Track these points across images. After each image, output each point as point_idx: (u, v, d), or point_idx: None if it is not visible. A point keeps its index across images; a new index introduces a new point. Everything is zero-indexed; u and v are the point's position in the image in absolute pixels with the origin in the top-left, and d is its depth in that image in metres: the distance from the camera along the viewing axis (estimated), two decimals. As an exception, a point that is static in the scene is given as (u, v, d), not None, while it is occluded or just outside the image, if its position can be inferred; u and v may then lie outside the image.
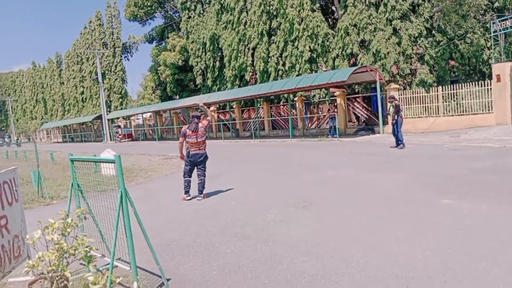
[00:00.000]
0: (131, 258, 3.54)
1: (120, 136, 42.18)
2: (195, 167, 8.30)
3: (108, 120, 44.64)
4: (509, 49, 20.88)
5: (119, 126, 45.46)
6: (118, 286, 3.74)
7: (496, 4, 21.86)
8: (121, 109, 48.68)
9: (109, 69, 49.83)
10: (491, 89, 16.94)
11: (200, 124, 8.18)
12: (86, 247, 3.21)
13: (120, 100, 50.36)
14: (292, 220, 5.99)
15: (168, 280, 4.01)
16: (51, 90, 65.91)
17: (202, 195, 8.24)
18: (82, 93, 56.00)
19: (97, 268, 3.44)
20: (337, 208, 6.47)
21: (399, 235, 4.91)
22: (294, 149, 17.25)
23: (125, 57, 52.94)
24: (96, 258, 3.46)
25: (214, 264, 4.52)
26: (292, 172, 10.81)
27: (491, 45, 19.67)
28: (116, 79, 50.01)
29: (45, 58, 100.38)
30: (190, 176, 8.30)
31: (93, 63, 50.36)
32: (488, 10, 21.99)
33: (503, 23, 17.15)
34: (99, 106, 49.11)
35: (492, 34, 18.17)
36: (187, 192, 8.28)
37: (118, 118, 46.37)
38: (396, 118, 13.53)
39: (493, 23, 17.76)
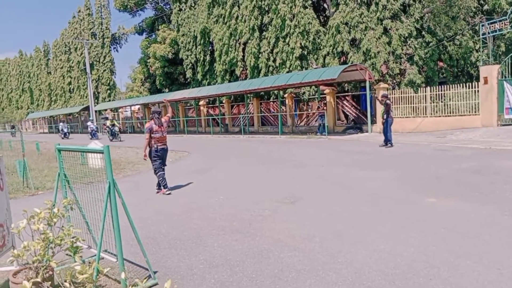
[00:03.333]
0: (118, 249, 3.52)
1: (107, 128, 41.69)
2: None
3: (96, 111, 44.10)
4: (497, 52, 21.18)
5: (106, 118, 44.90)
6: (104, 277, 3.71)
7: (486, 7, 22.12)
8: (109, 101, 48.15)
9: (98, 60, 49.20)
10: (478, 91, 17.17)
11: (163, 119, 8.33)
12: (72, 237, 3.18)
13: (108, 91, 49.80)
14: (280, 216, 6.01)
15: (155, 272, 4.00)
16: (38, 79, 64.84)
17: (162, 188, 8.39)
18: (70, 83, 55.20)
19: (82, 259, 3.41)
20: (324, 205, 6.51)
21: (385, 232, 4.97)
22: (283, 145, 17.29)
23: (114, 48, 52.37)
24: (82, 249, 3.42)
25: (201, 257, 4.52)
26: (281, 168, 10.84)
27: (480, 47, 19.93)
28: (104, 70, 49.42)
29: (33, 47, 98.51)
30: (163, 170, 8.38)
31: (81, 53, 49.68)
32: (477, 12, 22.25)
33: (492, 26, 17.37)
34: (86, 97, 48.50)
35: (480, 36, 18.39)
36: (165, 186, 8.31)
37: (105, 110, 45.83)
38: (386, 117, 13.64)
39: (482, 25, 17.97)
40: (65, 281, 2.57)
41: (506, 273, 3.63)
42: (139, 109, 43.26)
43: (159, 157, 8.30)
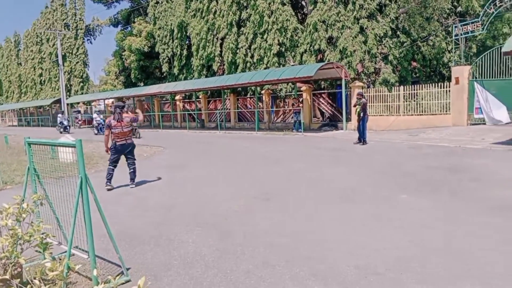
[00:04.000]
0: (90, 246, 3.44)
1: (79, 122, 40.67)
2: (125, 157, 8.38)
3: (68, 104, 42.96)
4: (469, 53, 21.81)
5: (79, 112, 43.83)
6: (75, 274, 3.63)
7: (459, 9, 22.73)
8: (82, 93, 46.96)
9: (70, 51, 47.84)
10: (449, 91, 17.65)
11: (125, 115, 8.23)
12: (42, 233, 3.08)
13: (81, 84, 48.52)
14: (256, 212, 6.02)
15: (127, 269, 3.93)
16: (7, 70, 62.48)
17: (134, 183, 8.39)
18: (41, 75, 53.46)
19: (52, 256, 3.32)
20: (300, 201, 6.56)
21: (359, 228, 5.05)
22: (260, 142, 17.31)
23: (87, 40, 50.97)
24: (52, 245, 3.33)
25: (176, 253, 4.48)
26: (257, 164, 10.85)
27: (452, 48, 20.47)
28: (77, 62, 48.09)
29: (3, 37, 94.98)
30: (115, 167, 8.29)
31: (54, 45, 48.16)
32: (451, 14, 22.83)
33: (464, 28, 17.85)
34: (58, 89, 47.12)
35: (453, 37, 18.88)
36: (109, 180, 8.21)
37: (78, 103, 44.70)
38: (362, 115, 13.85)
39: (455, 27, 18.45)
40: (35, 278, 2.49)
41: (476, 269, 3.75)
42: (112, 102, 42.40)
43: (118, 152, 8.22)
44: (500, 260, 3.90)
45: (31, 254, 3.78)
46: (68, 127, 29.55)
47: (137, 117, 8.69)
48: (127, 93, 34.51)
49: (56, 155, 7.65)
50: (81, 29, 48.34)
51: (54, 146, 6.04)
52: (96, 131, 26.43)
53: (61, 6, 48.93)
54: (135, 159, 8.47)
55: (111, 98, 37.55)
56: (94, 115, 28.75)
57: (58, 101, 43.82)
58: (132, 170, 8.37)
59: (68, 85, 47.53)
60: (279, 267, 3.97)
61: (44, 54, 52.26)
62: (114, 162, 8.27)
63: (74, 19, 48.26)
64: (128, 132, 8.23)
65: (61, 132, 27.04)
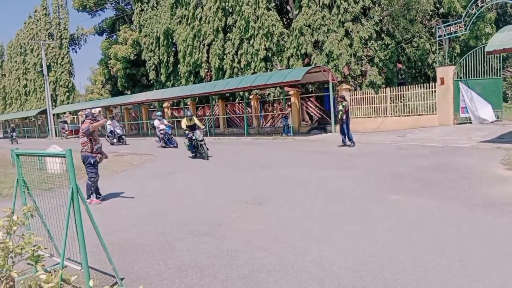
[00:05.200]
0: (83, 256, 3.38)
1: (66, 132, 40.20)
2: None
3: (54, 115, 42.47)
4: (453, 53, 22.17)
5: (65, 122, 43.37)
6: (69, 286, 3.56)
7: (442, 10, 23.12)
8: (68, 103, 46.47)
9: (55, 61, 47.39)
10: (435, 91, 17.89)
11: (82, 125, 7.80)
12: (34, 246, 3.02)
13: (67, 94, 48.06)
14: (249, 217, 6.00)
15: (122, 279, 3.88)
16: (-9, 82, 61.64)
17: (88, 200, 7.51)
18: (26, 86, 52.77)
19: (45, 269, 3.25)
20: (292, 205, 6.56)
21: (352, 230, 5.06)
22: (249, 146, 17.31)
23: (72, 49, 50.62)
24: (44, 257, 3.27)
25: (170, 262, 4.43)
26: (248, 169, 10.84)
27: (436, 49, 20.80)
28: (62, 72, 47.65)
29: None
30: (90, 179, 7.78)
31: (38, 55, 47.62)
32: (434, 15, 23.21)
33: (448, 29, 18.15)
34: (43, 100, 46.54)
35: (437, 39, 19.18)
36: (93, 193, 7.88)
37: (64, 113, 44.21)
38: (345, 118, 13.93)
39: (438, 28, 18.75)
40: (28, 292, 2.45)
41: (468, 266, 3.78)
42: (100, 112, 42.06)
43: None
44: (496, 259, 3.94)
45: (23, 267, 3.72)
46: (123, 137, 23.31)
47: (88, 127, 7.61)
48: (114, 102, 34.27)
49: (44, 166, 7.54)
50: (65, 38, 47.96)
51: (42, 157, 5.96)
52: (163, 143, 19.61)
53: (44, 15, 48.51)
54: (89, 174, 7.74)
55: (98, 107, 37.24)
56: (156, 122, 20.14)
57: (44, 112, 43.31)
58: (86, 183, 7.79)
59: (54, 95, 47.03)
60: (275, 272, 3.95)
61: (28, 64, 51.63)
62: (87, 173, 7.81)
63: (58, 29, 47.86)
64: (82, 143, 7.68)
65: (113, 144, 22.83)
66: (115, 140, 23.35)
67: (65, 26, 48.11)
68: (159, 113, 21.70)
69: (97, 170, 7.87)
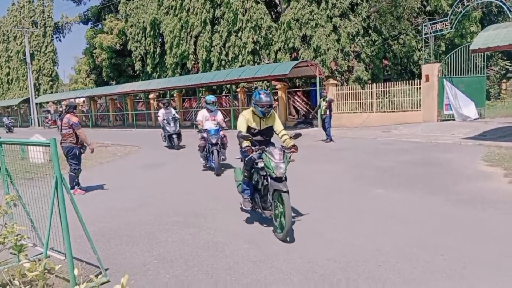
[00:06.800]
0: (67, 246, 3.35)
1: (49, 122, 39.50)
2: None
3: (37, 104, 41.65)
4: (438, 51, 22.43)
5: (48, 111, 42.55)
6: (52, 276, 3.52)
7: (428, 8, 23.35)
8: (51, 93, 45.62)
9: (39, 49, 46.39)
10: (420, 88, 18.08)
11: (67, 115, 7.61)
12: (17, 235, 2.98)
13: (50, 83, 47.15)
14: (234, 209, 6.01)
15: (106, 269, 3.86)
16: (-28, 69, 60.05)
17: (72, 190, 7.32)
18: (8, 74, 51.55)
19: (28, 258, 3.21)
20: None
21: (336, 223, 5.12)
22: (236, 140, 17.27)
23: (56, 37, 49.56)
24: (28, 247, 3.23)
25: (155, 252, 4.42)
26: (234, 162, 10.83)
27: (422, 46, 21.01)
28: (46, 61, 46.69)
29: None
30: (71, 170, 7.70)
31: (21, 43, 46.50)
32: (420, 13, 23.43)
33: (434, 26, 18.33)
34: (26, 89, 45.58)
35: (423, 36, 19.36)
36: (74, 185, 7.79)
37: (47, 102, 43.38)
38: (329, 113, 14.03)
39: (425, 25, 18.92)
40: (14, 279, 2.41)
41: (449, 259, 3.87)
42: (84, 101, 41.41)
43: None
44: (478, 252, 4.04)
45: (5, 257, 3.67)
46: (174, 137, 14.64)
47: (73, 125, 7.56)
48: (99, 92, 33.77)
49: (27, 155, 7.40)
50: (49, 26, 46.95)
51: (24, 146, 5.85)
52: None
53: (28, 3, 47.36)
54: (72, 166, 7.66)
55: (82, 97, 36.64)
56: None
57: (27, 101, 42.47)
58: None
59: (37, 84, 46.09)
60: (260, 263, 3.98)
61: (11, 52, 50.42)
62: (70, 165, 7.72)
63: (42, 16, 46.81)
64: (66, 134, 7.56)
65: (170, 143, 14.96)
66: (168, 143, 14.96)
67: (49, 14, 47.08)
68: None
69: (80, 161, 7.78)
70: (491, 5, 21.67)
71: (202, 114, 9.62)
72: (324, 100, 14.16)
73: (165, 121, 14.55)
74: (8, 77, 51.72)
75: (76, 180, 7.83)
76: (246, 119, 5.34)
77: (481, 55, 17.76)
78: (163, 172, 9.99)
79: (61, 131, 7.67)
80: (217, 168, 8.94)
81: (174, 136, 14.44)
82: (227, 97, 26.52)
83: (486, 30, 12.33)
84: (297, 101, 23.20)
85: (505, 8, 15.29)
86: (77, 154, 7.64)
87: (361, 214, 5.46)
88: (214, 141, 9.14)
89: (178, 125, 14.74)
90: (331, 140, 13.88)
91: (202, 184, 8.10)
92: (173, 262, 4.12)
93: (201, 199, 6.71)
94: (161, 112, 14.90)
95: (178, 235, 4.96)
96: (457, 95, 17.35)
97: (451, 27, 17.77)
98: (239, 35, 23.93)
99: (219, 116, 9.66)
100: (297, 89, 23.36)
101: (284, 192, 4.54)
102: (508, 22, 13.38)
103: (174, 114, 14.81)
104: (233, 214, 5.77)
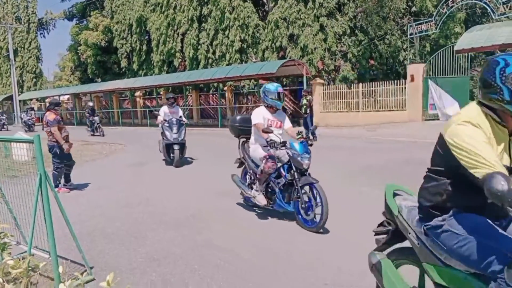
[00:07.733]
0: (51, 244, 3.30)
1: (33, 119, 38.82)
2: None
3: (20, 101, 40.91)
4: (423, 51, 22.71)
5: (32, 109, 41.81)
6: (35, 275, 3.47)
7: (413, 9, 23.63)
8: (35, 90, 44.85)
9: (22, 46, 45.51)
10: (405, 88, 18.31)
11: (47, 113, 7.59)
12: (0, 233, 2.93)
13: (34, 80, 46.32)
14: (224, 209, 6.00)
15: (91, 268, 3.81)
16: (-47, 66, 58.61)
17: (56, 188, 6.81)
18: (-10, 70, 50.54)
19: (11, 257, 3.16)
20: (265, 196, 6.59)
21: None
22: (223, 138, 17.23)
23: (41, 34, 48.67)
24: (11, 245, 3.18)
25: (142, 251, 4.38)
26: (222, 162, 10.78)
27: (407, 47, 21.25)
28: (30, 57, 45.84)
29: None
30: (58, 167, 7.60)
31: (4, 39, 45.57)
32: (406, 14, 23.70)
33: (419, 27, 18.58)
34: (9, 85, 44.67)
35: (408, 36, 19.60)
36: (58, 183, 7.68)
37: (31, 99, 42.66)
38: (309, 112, 14.13)
39: (410, 26, 19.16)
40: (-6, 278, 2.37)
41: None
42: (68, 99, 40.82)
43: None
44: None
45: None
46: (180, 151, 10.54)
47: (48, 122, 7.49)
48: (84, 89, 33.36)
49: (10, 153, 7.26)
50: (33, 22, 46.10)
51: (7, 143, 5.74)
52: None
53: (11, -2, 46.43)
54: (55, 164, 7.59)
55: (66, 94, 36.14)
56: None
57: (10, 98, 41.67)
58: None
59: (20, 81, 45.25)
60: (249, 261, 3.98)
61: (-7, 48, 49.37)
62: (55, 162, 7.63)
63: (26, 12, 45.93)
64: (47, 132, 7.42)
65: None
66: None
67: (33, 9, 46.21)
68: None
69: (63, 159, 7.62)
70: (475, 6, 22.02)
71: (260, 113, 5.70)
72: (305, 99, 14.25)
73: (166, 124, 10.20)
74: (-9, 73, 50.65)
75: (59, 179, 7.71)
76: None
77: (465, 55, 18.05)
78: (150, 170, 9.91)
79: (42, 129, 7.54)
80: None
81: (176, 147, 10.09)
82: (214, 95, 26.45)
83: (470, 31, 12.55)
84: (285, 100, 23.23)
85: (489, 10, 15.55)
86: (58, 153, 7.51)
87: (348, 211, 5.50)
88: (305, 167, 5.23)
89: (183, 132, 10.35)
90: (310, 137, 13.94)
91: (190, 183, 8.06)
92: (161, 261, 4.09)
93: (190, 198, 6.68)
94: (164, 110, 10.50)
95: (166, 234, 4.92)
96: (442, 95, 17.60)
97: (436, 28, 18.03)
98: (226, 33, 23.88)
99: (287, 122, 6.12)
100: (284, 88, 23.39)
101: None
102: (491, 23, 13.63)
103: (180, 116, 10.54)
104: (223, 214, 5.76)
